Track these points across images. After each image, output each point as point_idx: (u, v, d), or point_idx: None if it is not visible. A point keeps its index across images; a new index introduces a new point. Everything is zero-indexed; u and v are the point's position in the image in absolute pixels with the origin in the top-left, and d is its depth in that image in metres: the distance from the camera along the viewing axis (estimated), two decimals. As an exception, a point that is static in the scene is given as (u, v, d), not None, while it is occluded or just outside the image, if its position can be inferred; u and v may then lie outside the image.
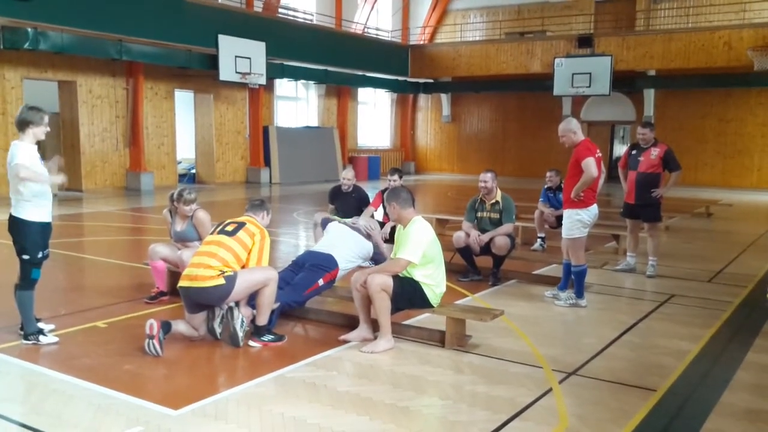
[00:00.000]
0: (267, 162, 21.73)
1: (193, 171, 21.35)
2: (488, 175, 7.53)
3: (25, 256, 4.96)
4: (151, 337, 4.77)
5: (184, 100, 20.63)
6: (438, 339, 5.27)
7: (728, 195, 19.87)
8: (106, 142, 17.75)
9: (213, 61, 18.44)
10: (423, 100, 29.00)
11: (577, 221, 6.49)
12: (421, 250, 5.05)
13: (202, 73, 19.12)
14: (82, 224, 12.43)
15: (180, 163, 20.75)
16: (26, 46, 14.53)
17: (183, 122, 20.50)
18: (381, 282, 4.99)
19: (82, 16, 15.18)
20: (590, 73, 21.48)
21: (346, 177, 8.54)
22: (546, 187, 10.07)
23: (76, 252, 9.31)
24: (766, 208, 17.44)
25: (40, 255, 5.00)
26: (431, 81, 27.00)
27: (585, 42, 22.17)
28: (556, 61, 22.14)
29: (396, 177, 8.27)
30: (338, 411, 3.97)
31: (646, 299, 6.95)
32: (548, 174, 10.10)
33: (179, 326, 5.06)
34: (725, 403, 4.23)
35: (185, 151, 21.20)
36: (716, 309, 6.57)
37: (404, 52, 26.33)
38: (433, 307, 5.27)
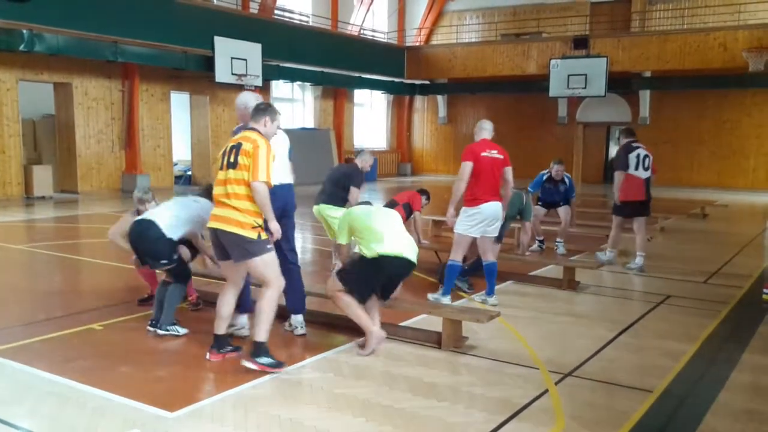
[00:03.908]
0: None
1: (189, 173, 21.31)
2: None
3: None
4: (263, 371, 4.52)
5: (180, 101, 20.60)
6: (435, 340, 5.27)
7: (724, 196, 19.92)
8: (101, 144, 17.71)
9: (209, 63, 18.41)
10: (419, 101, 29.01)
11: (464, 217, 6.54)
12: (344, 232, 5.35)
13: (197, 74, 19.09)
14: (77, 226, 12.40)
15: (176, 164, 20.71)
16: (22, 47, 14.49)
17: (179, 124, 20.47)
18: (331, 284, 5.11)
19: (77, 18, 15.15)
20: (586, 75, 21.50)
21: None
22: (545, 177, 9.68)
23: (71, 254, 9.28)
24: (762, 209, 17.48)
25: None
26: (427, 82, 27.02)
27: (580, 43, 22.21)
28: (552, 62, 22.17)
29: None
30: (335, 413, 3.97)
31: (642, 300, 6.96)
32: (556, 167, 9.59)
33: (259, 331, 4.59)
34: (721, 404, 4.23)
35: (181, 152, 21.16)
36: (712, 309, 6.58)
37: (400, 53, 26.34)
38: (377, 258, 4.96)
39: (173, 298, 5.46)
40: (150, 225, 5.39)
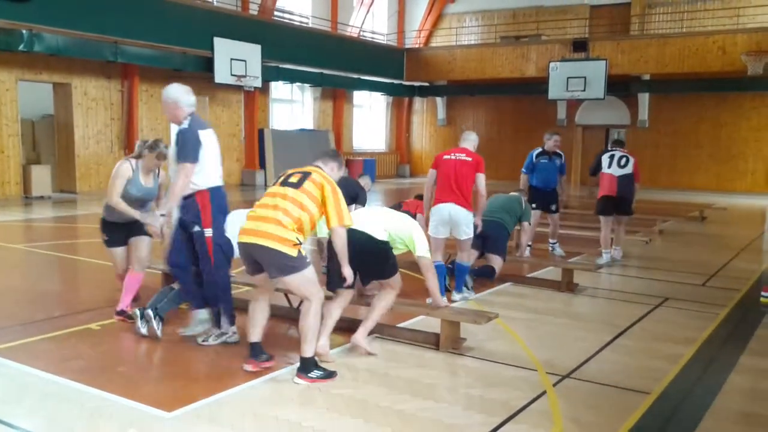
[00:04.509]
0: (262, 164, 21.71)
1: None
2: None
3: None
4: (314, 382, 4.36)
5: (179, 102, 20.56)
6: (433, 342, 5.27)
7: (722, 199, 19.94)
8: (101, 145, 17.70)
9: (208, 64, 18.42)
10: (418, 103, 29.02)
11: (430, 218, 6.82)
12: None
13: (197, 75, 19.07)
14: (76, 226, 12.40)
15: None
16: (21, 47, 14.48)
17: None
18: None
19: (77, 18, 15.15)
20: (585, 77, 21.53)
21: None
22: (537, 153, 9.42)
23: (70, 254, 9.28)
24: (760, 212, 17.48)
25: None
26: (427, 84, 27.03)
27: (580, 46, 22.24)
28: (551, 65, 22.19)
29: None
30: (333, 414, 3.97)
31: (640, 302, 6.96)
32: (555, 137, 9.42)
33: (306, 348, 4.44)
34: (719, 407, 4.24)
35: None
36: (710, 312, 6.59)
37: (400, 55, 26.36)
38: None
39: (177, 297, 5.51)
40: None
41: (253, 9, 20.84)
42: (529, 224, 8.47)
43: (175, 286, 5.60)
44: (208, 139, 5.02)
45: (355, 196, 7.58)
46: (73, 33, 15.36)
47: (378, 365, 4.79)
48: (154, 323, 5.22)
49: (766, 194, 21.61)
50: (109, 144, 17.89)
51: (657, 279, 8.27)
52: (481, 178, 6.73)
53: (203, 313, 5.29)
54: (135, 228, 5.71)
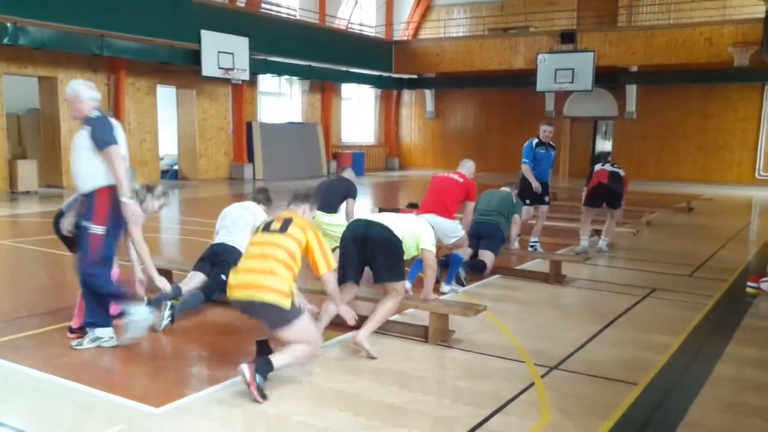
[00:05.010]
0: (250, 158, 21.63)
1: (176, 167, 21.20)
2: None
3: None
4: (248, 386, 4.02)
5: (166, 95, 20.47)
6: (422, 334, 5.28)
7: (709, 190, 20.06)
8: (87, 139, 17.54)
9: (195, 57, 18.31)
10: (407, 95, 28.99)
11: None
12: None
13: (184, 68, 18.99)
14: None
15: (162, 159, 20.60)
16: (5, 41, 14.35)
17: (165, 118, 20.35)
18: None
19: (62, 11, 14.99)
20: (573, 69, 21.56)
21: None
22: (535, 143, 9.06)
23: (56, 249, 9.21)
24: (746, 203, 17.64)
25: None
26: (415, 77, 26.99)
27: (568, 38, 22.25)
28: (539, 56, 22.21)
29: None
30: (322, 408, 3.97)
31: (628, 293, 7.01)
32: (550, 128, 9.16)
33: (277, 360, 4.21)
34: (705, 396, 4.28)
35: (168, 147, 21.04)
36: (697, 303, 6.64)
37: (388, 47, 26.30)
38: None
39: (194, 299, 5.63)
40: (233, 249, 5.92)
41: (241, 1, 20.73)
42: (520, 217, 8.51)
43: (183, 286, 5.74)
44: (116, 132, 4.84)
45: (347, 192, 7.82)
46: (59, 26, 15.21)
47: (367, 358, 4.79)
48: (165, 314, 5.26)
49: (752, 185, 21.79)
50: (96, 138, 17.74)
51: (644, 270, 8.32)
52: (470, 206, 7.13)
53: (137, 314, 4.96)
54: None
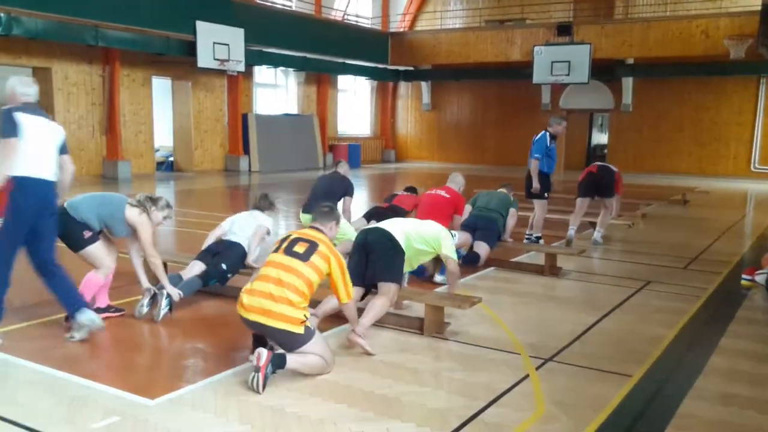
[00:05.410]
0: (246, 150, 21.58)
1: (171, 159, 21.14)
2: None
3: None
4: (257, 370, 4.00)
5: (161, 87, 20.39)
6: (417, 326, 5.28)
7: (705, 182, 20.10)
8: (82, 130, 17.51)
9: (191, 48, 18.24)
10: (403, 87, 28.93)
11: None
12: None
13: (180, 59, 18.89)
14: (57, 213, 12.24)
15: (158, 150, 20.54)
16: (-1, 31, 14.27)
17: (161, 109, 20.28)
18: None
19: (57, 1, 14.91)
20: (569, 62, 21.54)
21: None
22: (549, 136, 8.83)
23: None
24: (742, 195, 17.67)
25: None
26: (411, 69, 26.93)
27: (564, 30, 22.21)
28: (536, 49, 22.17)
29: None
30: (316, 399, 3.97)
31: (623, 286, 7.02)
32: (564, 123, 9.04)
33: (291, 360, 4.20)
34: (700, 388, 4.29)
35: (163, 138, 20.98)
36: (691, 295, 6.65)
37: (384, 39, 26.21)
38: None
39: (191, 285, 5.68)
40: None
41: (236, -8, 20.61)
42: (516, 210, 8.50)
43: (184, 273, 5.80)
44: (30, 122, 4.69)
45: (345, 190, 8.10)
46: (53, 16, 15.12)
47: (361, 350, 4.78)
48: (163, 304, 5.31)
49: (748, 178, 21.82)
50: (91, 129, 17.70)
51: (639, 262, 8.33)
52: (458, 220, 7.41)
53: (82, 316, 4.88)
54: None
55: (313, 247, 4.38)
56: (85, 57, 17.27)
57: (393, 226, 5.48)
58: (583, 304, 6.40)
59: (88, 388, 4.05)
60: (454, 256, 5.70)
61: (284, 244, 4.43)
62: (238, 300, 4.32)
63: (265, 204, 6.64)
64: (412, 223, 5.75)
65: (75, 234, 5.26)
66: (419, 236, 5.53)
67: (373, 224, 5.76)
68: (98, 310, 5.32)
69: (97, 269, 5.37)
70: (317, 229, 4.60)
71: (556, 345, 5.03)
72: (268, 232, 6.51)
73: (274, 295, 4.18)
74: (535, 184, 8.75)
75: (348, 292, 4.56)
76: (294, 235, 4.52)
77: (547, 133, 8.82)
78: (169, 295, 5.38)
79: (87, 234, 5.32)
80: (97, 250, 5.35)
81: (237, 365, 4.44)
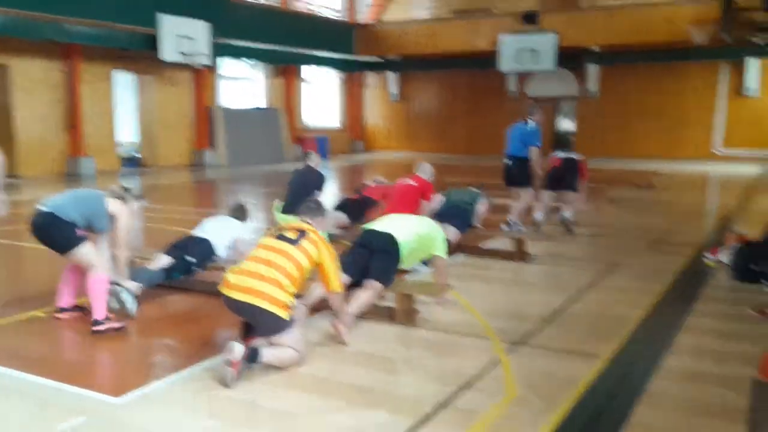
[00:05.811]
0: (213, 144, 21.33)
1: (137, 154, 20.80)
2: None
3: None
4: (229, 364, 3.91)
5: (126, 82, 20.04)
6: (387, 315, 5.27)
7: (669, 166, 20.40)
8: (45, 127, 17.14)
9: (155, 42, 17.91)
10: (371, 78, 28.81)
11: None
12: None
13: (143, 54, 18.56)
14: (19, 212, 11.98)
15: (122, 146, 20.20)
16: (-47, 27, 13.88)
17: (125, 104, 19.93)
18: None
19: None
20: (535, 50, 21.65)
21: None
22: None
23: (13, 240, 8.99)
24: (704, 178, 17.99)
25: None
26: (380, 60, 26.84)
27: (530, 19, 22.29)
28: (501, 38, 22.24)
29: None
30: (289, 391, 3.93)
31: (591, 268, 7.08)
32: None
33: (266, 354, 4.13)
34: (667, 366, 4.34)
35: (128, 134, 20.63)
36: (658, 276, 6.74)
37: (351, 29, 26.06)
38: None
39: (154, 277, 5.61)
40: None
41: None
42: (488, 202, 8.49)
43: (150, 266, 5.67)
44: None
45: (320, 184, 8.23)
46: (11, 11, 14.73)
47: (332, 340, 4.76)
48: (128, 299, 5.21)
49: (710, 160, 22.22)
50: (53, 126, 17.34)
51: (607, 245, 8.42)
52: (426, 206, 7.62)
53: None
54: None
55: (302, 233, 4.44)
56: (46, 53, 16.87)
57: (397, 227, 5.50)
58: (552, 287, 6.44)
59: (53, 389, 3.95)
60: (445, 255, 5.78)
61: (274, 233, 4.49)
62: (223, 280, 4.27)
63: (240, 215, 6.53)
64: (418, 222, 5.81)
65: (66, 234, 5.01)
66: (420, 234, 5.61)
67: (384, 222, 5.69)
68: (62, 310, 5.21)
69: (90, 269, 5.05)
70: (305, 222, 4.62)
71: (526, 329, 5.06)
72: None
73: (263, 275, 4.18)
74: (539, 171, 8.90)
75: (337, 281, 4.55)
76: (285, 224, 4.63)
77: (535, 123, 9.09)
78: (128, 290, 5.26)
79: (79, 232, 5.09)
80: (90, 247, 5.15)
81: (207, 359, 4.37)
